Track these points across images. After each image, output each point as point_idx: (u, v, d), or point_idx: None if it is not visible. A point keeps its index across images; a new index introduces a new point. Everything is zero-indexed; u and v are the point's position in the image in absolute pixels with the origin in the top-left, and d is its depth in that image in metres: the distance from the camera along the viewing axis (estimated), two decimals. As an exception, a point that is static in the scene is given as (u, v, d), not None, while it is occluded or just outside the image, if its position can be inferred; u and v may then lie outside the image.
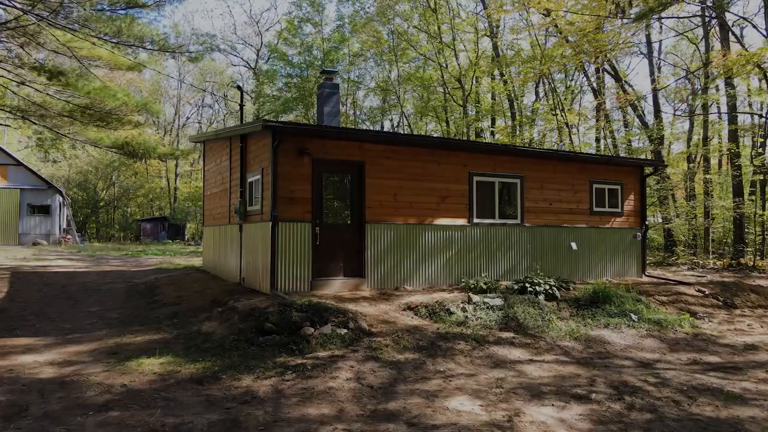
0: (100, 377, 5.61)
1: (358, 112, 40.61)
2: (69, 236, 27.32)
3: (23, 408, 4.74)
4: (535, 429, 4.44)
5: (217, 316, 7.98)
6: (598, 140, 25.83)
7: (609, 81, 28.15)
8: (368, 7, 32.57)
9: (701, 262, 19.84)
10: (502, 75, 27.96)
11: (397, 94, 33.63)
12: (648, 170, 13.53)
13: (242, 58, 46.17)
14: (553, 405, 5.02)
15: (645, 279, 11.94)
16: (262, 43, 43.10)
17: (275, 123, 8.67)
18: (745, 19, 16.81)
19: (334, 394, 5.18)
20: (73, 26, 10.41)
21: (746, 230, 19.79)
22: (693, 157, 24.23)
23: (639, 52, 28.66)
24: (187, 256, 20.54)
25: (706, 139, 22.42)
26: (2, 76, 11.99)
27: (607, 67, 25.31)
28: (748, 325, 8.92)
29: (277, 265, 8.56)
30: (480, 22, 28.45)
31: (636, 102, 24.90)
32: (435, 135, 38.08)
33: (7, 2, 8.67)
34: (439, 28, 27.71)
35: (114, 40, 9.97)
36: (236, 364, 5.98)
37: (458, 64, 28.49)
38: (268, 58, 41.97)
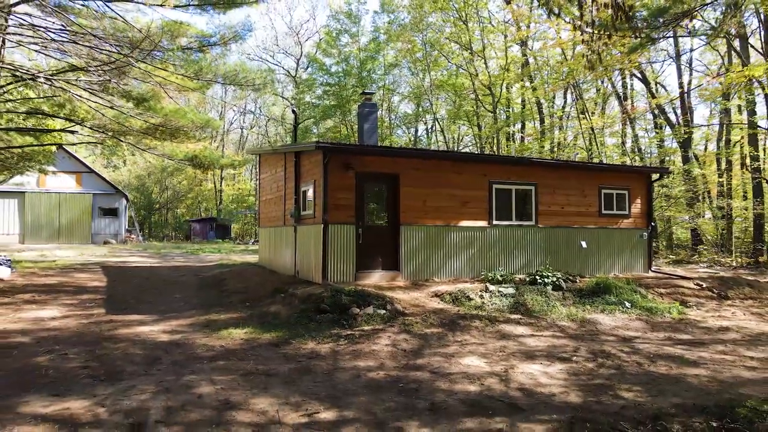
0: (203, 341, 7.57)
1: (393, 116, 42.42)
2: (133, 236, 30.28)
3: (157, 358, 6.71)
4: (524, 377, 6.11)
5: (281, 300, 9.90)
6: (624, 144, 26.81)
7: (639, 85, 29.07)
8: (402, 19, 34.33)
9: (722, 260, 20.72)
10: (531, 81, 29.21)
11: (429, 101, 35.26)
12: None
13: (283, 67, 48.65)
14: (541, 363, 6.67)
15: (650, 274, 13.27)
16: (301, 52, 45.44)
17: (326, 144, 10.56)
18: (744, 38, 17.67)
19: (376, 354, 6.97)
20: (153, 62, 12.61)
21: (766, 230, 20.56)
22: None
23: (668, 56, 29.38)
24: (240, 254, 22.80)
25: (728, 142, 23.20)
26: (96, 102, 14.30)
27: (635, 71, 26.26)
28: (732, 313, 10.24)
29: (328, 260, 10.43)
30: (509, 30, 29.77)
31: (667, 104, 25.74)
32: (468, 137, 39.52)
33: (114, 50, 10.88)
34: (470, 39, 29.19)
35: (191, 76, 12.09)
36: (301, 334, 7.85)
37: (488, 72, 29.89)
38: (307, 66, 44.30)
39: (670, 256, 22.17)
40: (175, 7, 12.88)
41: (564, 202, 12.81)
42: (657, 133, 27.90)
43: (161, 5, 12.81)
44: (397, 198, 11.18)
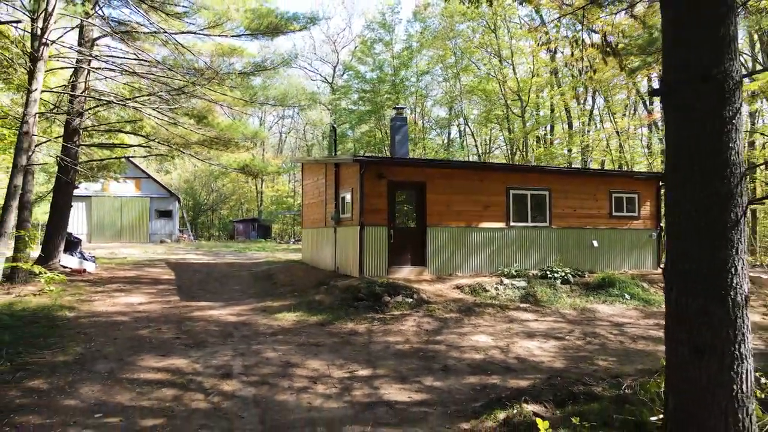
0: (262, 321, 9.34)
1: (426, 120, 43.87)
2: (185, 235, 32.90)
3: (230, 333, 8.48)
4: (521, 350, 7.59)
5: (324, 290, 11.61)
6: (649, 147, 27.54)
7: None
8: (435, 28, 35.73)
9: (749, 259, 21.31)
10: (559, 86, 30.17)
11: (460, 105, 36.57)
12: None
13: (320, 74, 50.88)
14: (538, 340, 8.12)
15: (659, 271, 14.36)
16: (338, 60, 47.50)
17: (362, 157, 12.23)
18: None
19: (403, 332, 8.57)
20: (210, 84, 14.56)
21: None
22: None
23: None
24: (283, 252, 24.79)
25: (752, 144, 23.72)
26: (163, 119, 16.40)
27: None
28: (726, 305, 11.33)
29: (364, 257, 12.09)
30: (537, 37, 30.76)
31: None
32: (499, 139, 40.60)
33: (182, 78, 12.88)
34: (498, 46, 30.38)
35: (247, 99, 14.03)
36: (342, 317, 9.52)
37: (517, 78, 31.00)
38: (343, 73, 46.27)
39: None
40: (231, 36, 14.88)
41: (576, 205, 14.08)
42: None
43: (219, 35, 14.83)
44: (424, 203, 12.73)
